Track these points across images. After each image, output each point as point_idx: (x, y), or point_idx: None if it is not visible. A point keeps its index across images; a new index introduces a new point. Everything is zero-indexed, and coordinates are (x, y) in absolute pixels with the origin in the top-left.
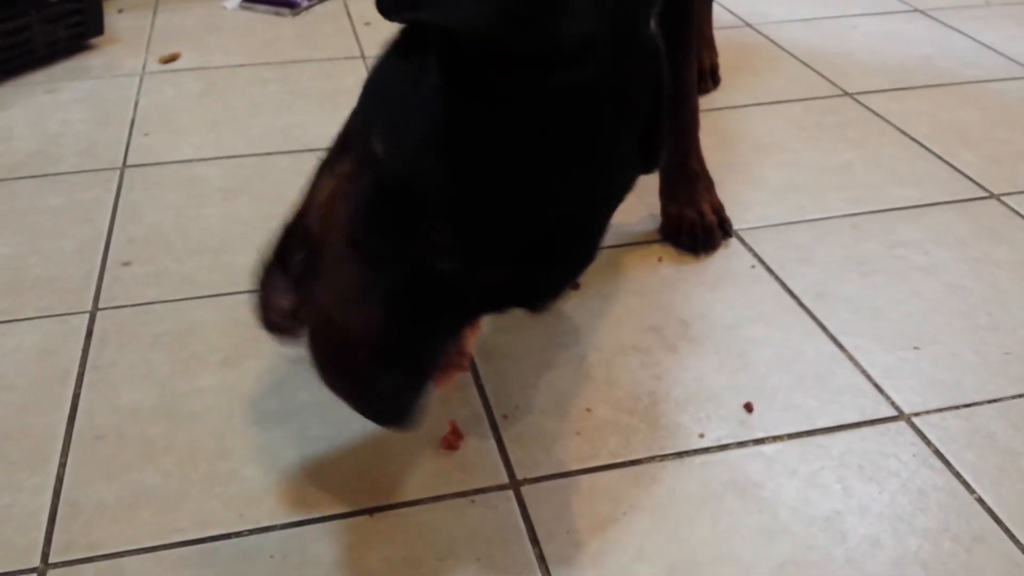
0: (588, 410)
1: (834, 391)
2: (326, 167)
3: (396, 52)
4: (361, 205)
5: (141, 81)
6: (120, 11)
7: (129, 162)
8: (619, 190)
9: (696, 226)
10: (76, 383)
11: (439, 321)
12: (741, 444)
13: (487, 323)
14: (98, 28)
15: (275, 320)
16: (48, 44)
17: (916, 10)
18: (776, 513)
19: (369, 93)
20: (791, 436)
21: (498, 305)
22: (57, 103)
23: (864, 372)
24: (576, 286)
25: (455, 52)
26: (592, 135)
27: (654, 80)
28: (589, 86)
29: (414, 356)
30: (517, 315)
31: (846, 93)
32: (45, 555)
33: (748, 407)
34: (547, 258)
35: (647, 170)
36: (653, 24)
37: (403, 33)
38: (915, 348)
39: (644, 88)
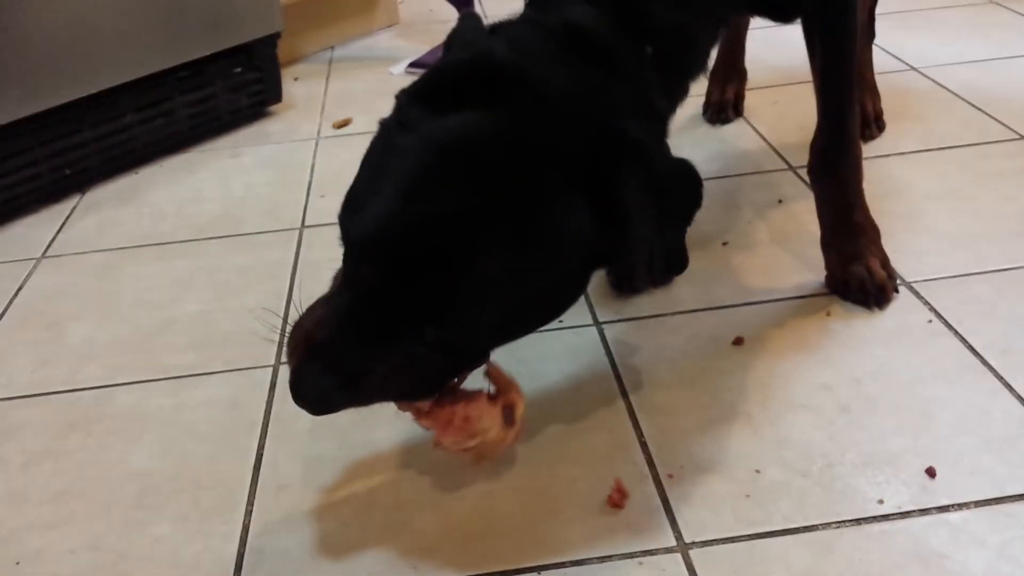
0: (757, 471)
1: None
2: None
3: None
4: None
5: (317, 145)
6: (296, 79)
7: (307, 223)
8: (537, 243)
9: (865, 282)
10: (261, 434)
11: (370, 339)
12: (924, 511)
13: (646, 378)
14: (277, 96)
15: None
16: (232, 111)
17: None
18: None
19: None
20: (978, 503)
21: (414, 322)
22: (241, 167)
23: None
24: (739, 341)
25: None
26: (473, 173)
27: (596, 140)
28: (479, 125)
29: (342, 359)
30: (676, 371)
31: (1023, 137)
32: None
33: (931, 472)
34: (420, 274)
35: (611, 238)
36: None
37: None
38: None
39: (575, 141)
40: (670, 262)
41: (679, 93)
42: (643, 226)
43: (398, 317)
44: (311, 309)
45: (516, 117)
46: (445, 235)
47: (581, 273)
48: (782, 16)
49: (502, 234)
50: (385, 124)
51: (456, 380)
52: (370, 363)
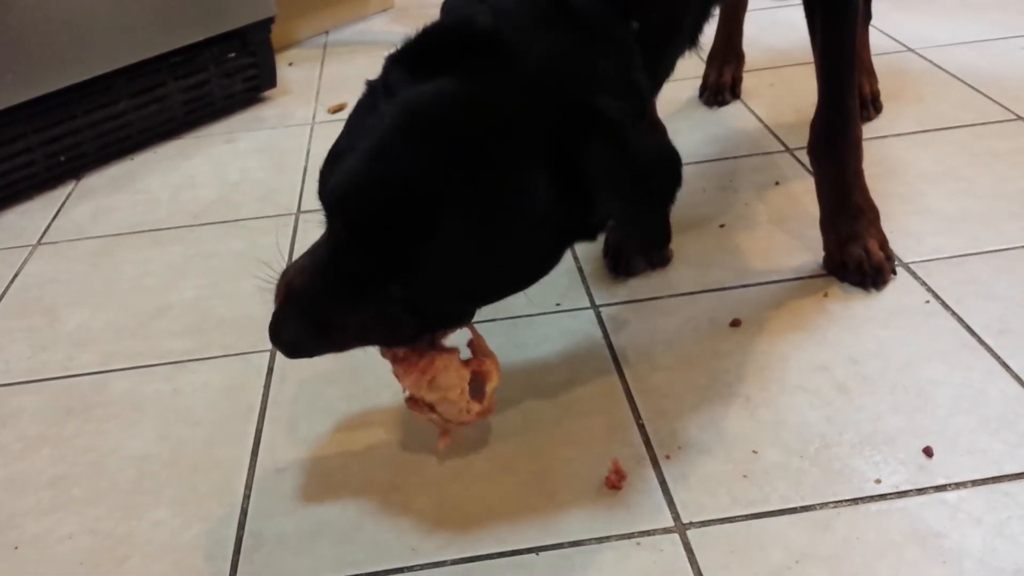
0: (755, 452)
1: (1021, 435)
2: None
3: None
4: None
5: (312, 130)
6: (290, 64)
7: (303, 208)
8: (496, 210)
9: (863, 263)
10: (259, 418)
11: (340, 291)
12: (921, 491)
13: (643, 360)
14: (271, 81)
15: None
16: (226, 97)
17: None
18: (961, 565)
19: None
20: (975, 483)
21: (381, 275)
22: (235, 152)
23: None
24: (737, 323)
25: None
26: (438, 138)
27: (566, 112)
28: (450, 92)
29: (316, 308)
30: (674, 353)
31: (1020, 117)
32: None
33: (928, 451)
34: (384, 232)
35: (581, 214)
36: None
37: None
38: None
39: (543, 112)
40: (650, 234)
41: (664, 71)
42: (610, 204)
43: (365, 273)
44: (299, 258)
45: (487, 85)
46: (407, 196)
47: (552, 245)
48: None
49: (462, 199)
50: (371, 85)
51: (437, 333)
52: (342, 314)
